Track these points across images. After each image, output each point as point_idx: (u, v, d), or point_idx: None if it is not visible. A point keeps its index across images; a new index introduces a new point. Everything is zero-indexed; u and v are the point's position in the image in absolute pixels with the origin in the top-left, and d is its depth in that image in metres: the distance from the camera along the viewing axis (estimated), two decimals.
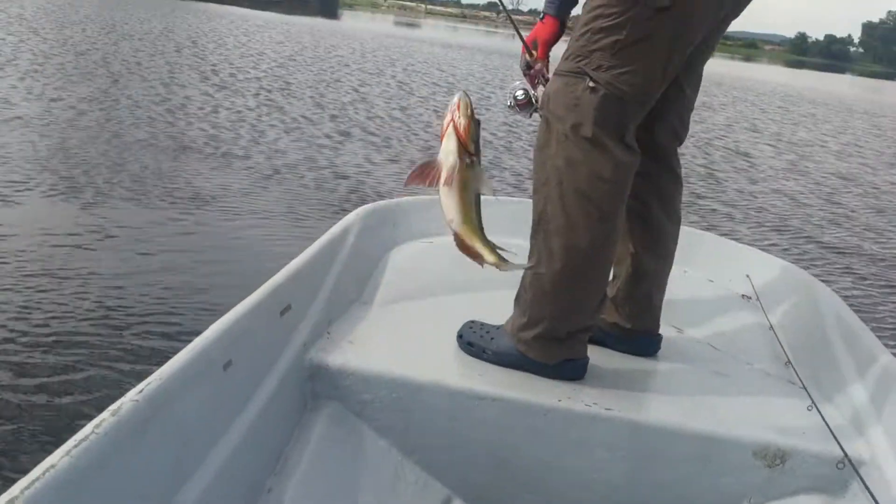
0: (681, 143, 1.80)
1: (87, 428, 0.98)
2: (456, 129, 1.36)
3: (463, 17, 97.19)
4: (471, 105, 1.38)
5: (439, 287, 2.05)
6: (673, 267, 1.85)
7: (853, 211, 6.51)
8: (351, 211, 2.24)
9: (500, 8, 1.98)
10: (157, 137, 5.90)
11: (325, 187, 5.03)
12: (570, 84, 1.54)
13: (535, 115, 1.95)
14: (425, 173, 1.37)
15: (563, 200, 1.55)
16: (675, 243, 1.83)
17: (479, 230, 1.43)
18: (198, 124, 6.62)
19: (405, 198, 2.53)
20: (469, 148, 1.37)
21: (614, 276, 1.78)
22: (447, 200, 1.38)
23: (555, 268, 1.57)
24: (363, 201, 4.59)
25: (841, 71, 67.80)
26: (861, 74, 66.54)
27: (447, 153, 1.37)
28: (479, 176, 1.40)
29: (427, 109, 9.27)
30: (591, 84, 1.51)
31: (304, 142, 6.49)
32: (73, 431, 0.93)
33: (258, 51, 14.43)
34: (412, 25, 48.23)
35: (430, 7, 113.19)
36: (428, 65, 16.83)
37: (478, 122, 1.39)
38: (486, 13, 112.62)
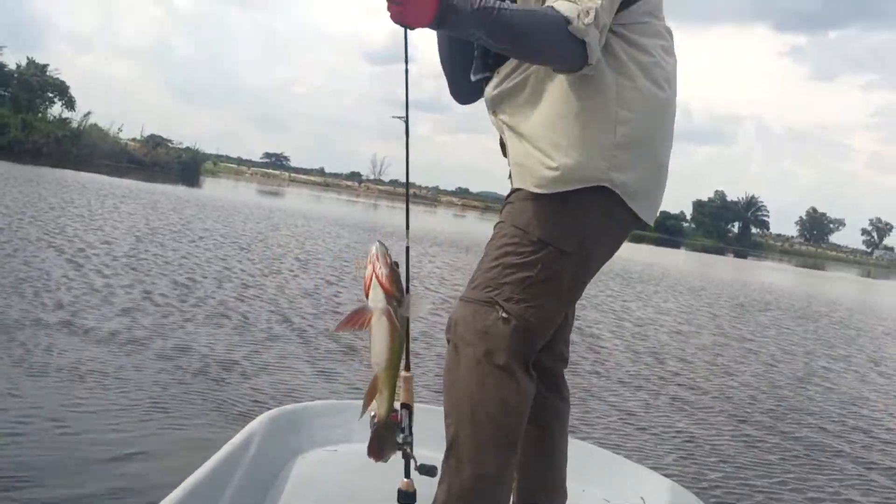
0: (566, 365, 1.93)
1: None
2: (378, 279, 1.48)
3: (326, 186, 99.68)
4: (388, 252, 1.53)
5: (340, 500, 2.05)
6: (571, 483, 1.94)
7: (691, 391, 7.05)
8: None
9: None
10: (19, 319, 5.67)
11: (204, 376, 4.96)
12: (479, 312, 1.64)
13: None
14: (355, 319, 1.49)
15: (474, 427, 1.62)
16: (566, 462, 1.93)
17: (395, 380, 1.57)
18: (61, 306, 6.41)
19: (310, 402, 2.52)
20: (395, 295, 1.50)
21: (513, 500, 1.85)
22: (378, 344, 1.51)
23: (466, 494, 1.64)
24: (256, 395, 4.55)
25: (676, 245, 73.95)
26: (694, 249, 73.04)
27: (376, 301, 1.50)
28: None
29: (290, 292, 9.41)
30: (504, 315, 1.62)
31: (172, 326, 6.39)
32: None
33: (116, 224, 14.22)
34: (276, 194, 48.91)
35: (293, 175, 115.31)
36: (292, 237, 17.07)
37: (396, 264, 1.54)
38: (349, 182, 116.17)
